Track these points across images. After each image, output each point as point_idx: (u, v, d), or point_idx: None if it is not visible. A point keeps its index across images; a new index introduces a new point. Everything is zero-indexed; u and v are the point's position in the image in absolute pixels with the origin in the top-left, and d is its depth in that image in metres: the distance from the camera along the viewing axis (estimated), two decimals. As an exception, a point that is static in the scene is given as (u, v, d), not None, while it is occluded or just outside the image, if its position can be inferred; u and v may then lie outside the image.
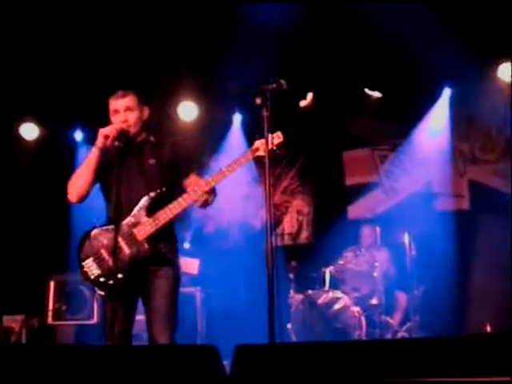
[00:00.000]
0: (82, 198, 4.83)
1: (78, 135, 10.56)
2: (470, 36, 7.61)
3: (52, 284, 8.67)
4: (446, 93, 9.37)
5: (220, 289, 9.47)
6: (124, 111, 4.82)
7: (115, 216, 4.58)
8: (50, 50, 8.11)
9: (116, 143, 4.67)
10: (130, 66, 8.41)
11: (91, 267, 4.62)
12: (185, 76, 8.79)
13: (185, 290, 8.73)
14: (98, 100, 8.93)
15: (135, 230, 4.61)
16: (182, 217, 10.89)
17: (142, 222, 4.64)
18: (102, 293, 4.63)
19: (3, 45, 7.89)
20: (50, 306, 8.56)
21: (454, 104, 9.38)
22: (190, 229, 10.70)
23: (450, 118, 9.45)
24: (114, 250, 4.47)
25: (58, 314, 8.55)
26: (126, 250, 4.61)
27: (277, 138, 4.92)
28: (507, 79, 8.46)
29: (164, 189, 4.75)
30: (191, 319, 8.71)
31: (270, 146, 4.61)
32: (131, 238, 4.60)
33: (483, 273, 8.59)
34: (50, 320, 8.55)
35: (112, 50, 8.13)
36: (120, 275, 4.52)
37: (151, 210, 4.67)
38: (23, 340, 8.30)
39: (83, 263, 4.64)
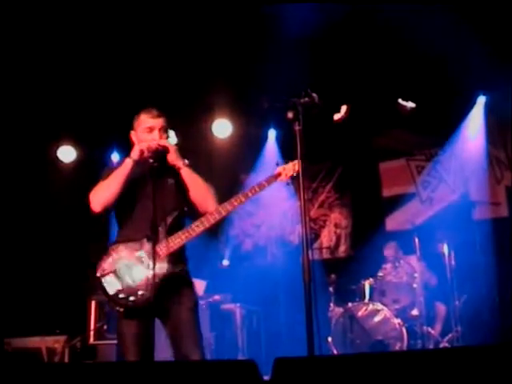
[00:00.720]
0: (107, 209, 4.76)
1: (115, 157, 10.66)
2: (502, 42, 7.56)
3: (93, 304, 8.74)
4: (481, 100, 9.33)
5: (260, 305, 9.47)
6: (159, 131, 4.82)
7: (136, 232, 4.59)
8: (87, 71, 8.21)
9: (151, 160, 4.69)
10: (165, 86, 8.49)
11: (111, 283, 4.54)
12: (218, 93, 8.84)
13: (225, 306, 8.79)
14: (132, 121, 9.11)
15: (157, 248, 4.53)
16: (220, 234, 11.01)
17: (163, 241, 4.60)
18: (121, 309, 4.54)
19: (41, 66, 8.01)
20: (92, 326, 8.63)
21: (489, 111, 9.32)
22: (228, 246, 10.75)
23: (485, 126, 9.39)
24: (136, 266, 4.54)
25: (99, 334, 8.61)
26: (148, 267, 4.55)
27: (297, 165, 4.77)
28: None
29: (186, 208, 4.80)
30: (231, 336, 8.73)
31: (290, 174, 4.84)
32: (153, 256, 4.49)
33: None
34: (91, 340, 8.62)
35: (147, 70, 8.21)
36: (141, 292, 4.49)
37: (170, 230, 4.66)
38: (66, 360, 8.36)
39: (102, 279, 4.57)
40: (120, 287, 4.53)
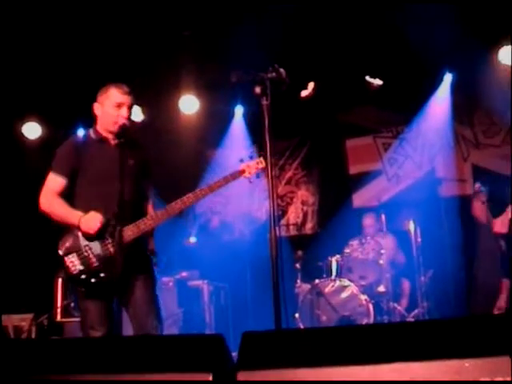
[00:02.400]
0: None
1: (81, 133, 10.55)
2: (470, 20, 7.59)
3: (60, 281, 8.68)
4: (448, 78, 9.36)
5: (227, 281, 9.49)
6: (127, 107, 4.77)
7: (99, 213, 4.55)
8: (51, 48, 8.11)
9: (116, 140, 4.70)
10: (131, 62, 8.41)
11: (74, 263, 4.52)
12: (185, 69, 8.79)
13: (192, 283, 8.79)
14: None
15: (123, 231, 4.49)
16: (187, 212, 10.98)
17: (129, 224, 4.58)
18: (83, 289, 4.57)
19: (5, 44, 7.89)
20: (59, 304, 8.58)
21: (456, 89, 9.36)
22: (195, 223, 10.74)
23: (452, 104, 9.44)
24: (99, 247, 4.57)
25: (66, 311, 8.57)
26: (111, 249, 4.55)
27: (260, 163, 5.01)
28: (508, 63, 8.44)
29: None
30: (199, 312, 8.74)
31: (253, 171, 4.98)
32: (117, 239, 4.47)
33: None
34: (58, 317, 8.57)
35: (112, 45, 8.13)
36: (102, 274, 4.51)
37: (134, 212, 4.69)
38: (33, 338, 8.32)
39: (66, 258, 4.54)
40: (82, 267, 4.52)
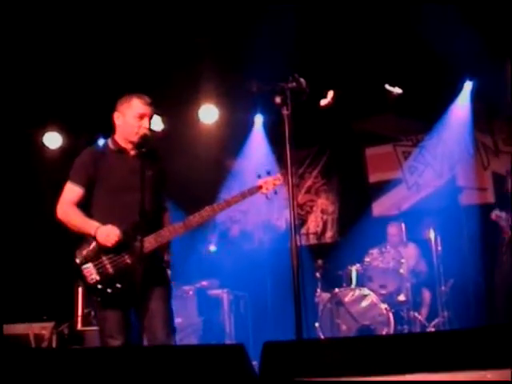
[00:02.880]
0: None
1: (99, 143, 10.59)
2: (489, 28, 7.57)
3: (80, 290, 8.71)
4: (467, 86, 9.32)
5: (247, 290, 9.48)
6: (149, 118, 4.81)
7: (117, 223, 4.58)
8: (72, 58, 8.17)
9: (134, 151, 4.77)
10: (151, 71, 8.45)
11: (91, 272, 4.54)
12: (205, 79, 8.81)
13: (212, 292, 8.79)
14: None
15: (138, 243, 4.44)
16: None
17: (148, 235, 4.59)
18: (99, 299, 4.59)
19: (26, 53, 7.96)
20: (79, 312, 8.61)
21: (476, 97, 9.33)
22: (216, 232, 10.75)
23: (472, 111, 9.40)
24: (116, 257, 4.59)
25: (86, 320, 8.59)
26: (128, 260, 4.59)
27: (278, 180, 5.05)
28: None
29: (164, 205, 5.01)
30: (219, 321, 8.74)
31: (270, 187, 4.99)
32: (134, 250, 4.49)
33: (509, 265, 8.53)
34: (79, 326, 8.60)
35: (133, 54, 8.17)
36: (118, 285, 4.53)
37: (153, 224, 4.71)
38: (53, 347, 8.35)
39: (82, 267, 4.56)
40: (98, 277, 4.54)
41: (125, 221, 4.57)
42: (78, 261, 4.59)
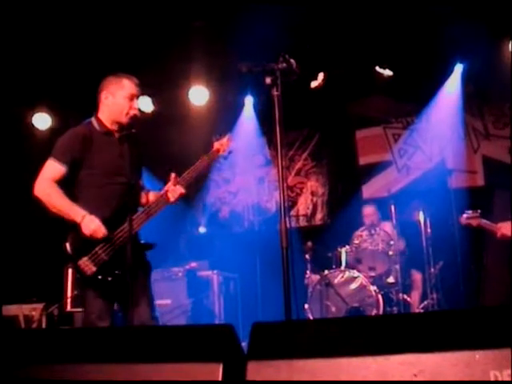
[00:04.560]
0: None
1: (85, 123, 10.56)
2: (481, 11, 7.56)
3: (70, 271, 8.70)
4: (458, 69, 9.32)
5: (237, 272, 9.51)
6: (137, 99, 4.82)
7: (103, 207, 4.58)
8: (61, 38, 8.11)
9: (121, 133, 4.77)
10: (141, 52, 8.41)
11: (87, 264, 4.43)
12: (195, 60, 8.78)
13: (202, 273, 8.81)
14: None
15: (127, 223, 4.50)
16: (196, 202, 11.00)
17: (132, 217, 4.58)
18: (98, 289, 4.52)
19: (14, 34, 7.91)
20: (68, 294, 8.61)
21: (466, 80, 9.33)
22: (205, 213, 10.75)
23: (462, 94, 9.41)
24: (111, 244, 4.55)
25: (76, 302, 8.59)
26: (120, 243, 4.56)
27: (229, 140, 5.31)
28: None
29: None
30: (209, 303, 8.76)
31: (226, 148, 5.23)
32: (125, 231, 4.52)
33: (499, 248, 8.56)
34: (68, 307, 8.60)
35: (123, 35, 8.13)
36: (117, 271, 4.50)
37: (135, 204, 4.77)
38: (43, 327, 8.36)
39: (78, 262, 4.45)
40: (95, 268, 4.46)
41: (113, 203, 4.58)
42: (70, 254, 4.49)
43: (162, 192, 4.82)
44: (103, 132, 4.76)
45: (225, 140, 5.26)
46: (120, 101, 4.74)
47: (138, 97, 4.82)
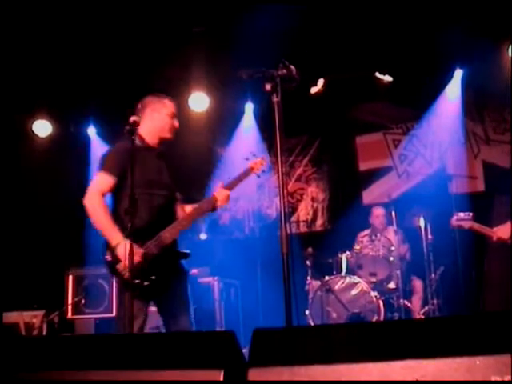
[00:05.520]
0: None
1: (91, 131, 10.59)
2: (480, 16, 7.57)
3: (70, 278, 8.72)
4: (458, 74, 9.32)
5: (237, 278, 9.50)
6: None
7: (143, 217, 4.78)
8: (62, 45, 8.13)
9: (159, 148, 5.17)
10: (141, 59, 8.43)
11: (125, 269, 4.58)
12: (195, 67, 8.79)
13: (203, 280, 8.79)
14: (109, 95, 9.04)
15: (162, 234, 4.86)
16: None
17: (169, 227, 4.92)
18: (134, 292, 4.59)
19: (15, 41, 7.92)
20: (69, 301, 8.61)
21: (466, 85, 9.34)
22: (206, 219, 10.73)
23: (462, 100, 9.42)
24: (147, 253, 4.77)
25: (76, 308, 8.60)
26: (156, 252, 4.79)
27: (263, 160, 5.52)
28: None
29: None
30: (210, 309, 8.75)
31: (260, 167, 5.47)
32: (159, 241, 4.83)
33: (500, 254, 8.56)
34: (69, 314, 8.61)
35: (122, 42, 8.14)
36: (153, 277, 4.73)
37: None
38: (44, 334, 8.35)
39: (117, 266, 4.68)
40: (133, 273, 4.56)
41: (153, 213, 4.89)
42: (110, 259, 4.74)
43: (210, 196, 5.25)
44: (144, 146, 5.03)
45: (258, 160, 5.44)
46: (164, 118, 5.15)
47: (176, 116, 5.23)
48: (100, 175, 4.87)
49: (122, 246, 4.60)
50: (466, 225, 7.42)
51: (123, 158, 4.78)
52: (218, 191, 5.24)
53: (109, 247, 4.74)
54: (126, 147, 4.82)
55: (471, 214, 7.46)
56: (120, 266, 4.64)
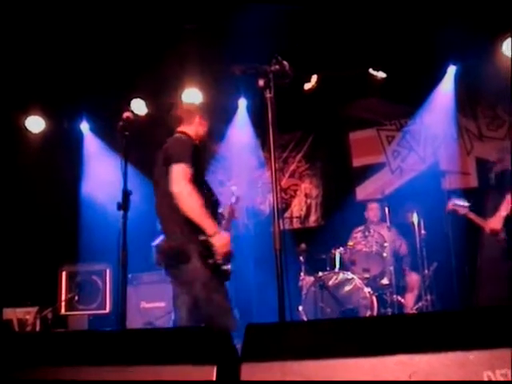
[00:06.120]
0: None
1: (84, 126, 10.57)
2: (474, 13, 7.57)
3: (64, 275, 8.71)
4: (451, 70, 9.33)
5: (231, 274, 9.47)
6: None
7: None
8: (54, 41, 8.11)
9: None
10: (135, 55, 8.41)
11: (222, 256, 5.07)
12: (188, 62, 8.77)
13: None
14: (103, 91, 9.02)
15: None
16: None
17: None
18: (222, 278, 5.23)
19: (7, 36, 7.90)
20: (63, 297, 8.61)
21: (459, 81, 9.35)
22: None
23: (455, 96, 9.43)
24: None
25: (70, 305, 8.59)
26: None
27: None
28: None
29: None
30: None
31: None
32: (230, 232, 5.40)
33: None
34: (62, 311, 8.60)
35: (116, 38, 8.13)
36: (230, 264, 5.27)
37: None
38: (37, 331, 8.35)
39: (215, 253, 5.03)
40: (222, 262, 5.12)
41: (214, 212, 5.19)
42: (202, 238, 4.95)
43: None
44: (199, 147, 5.35)
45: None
46: (205, 124, 5.54)
47: None
48: (181, 166, 4.92)
49: (219, 235, 4.99)
50: (462, 211, 7.47)
51: (194, 150, 5.08)
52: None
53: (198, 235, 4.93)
54: (193, 143, 5.23)
55: (469, 204, 7.50)
56: (218, 254, 5.00)
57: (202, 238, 4.92)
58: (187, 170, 4.90)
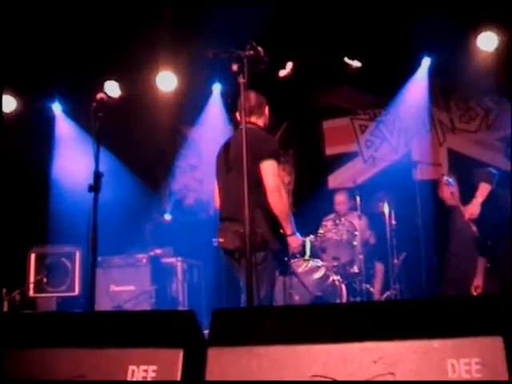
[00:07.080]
0: None
1: (56, 107, 10.47)
2: (449, 5, 7.60)
3: (32, 256, 8.64)
4: (426, 62, 9.36)
5: (201, 259, 9.48)
6: None
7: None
8: (26, 19, 8.02)
9: None
10: (108, 37, 8.35)
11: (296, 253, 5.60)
12: (163, 45, 8.73)
13: (166, 260, 8.78)
14: (76, 71, 8.94)
15: None
16: (162, 189, 10.95)
17: None
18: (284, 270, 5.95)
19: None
20: (31, 279, 8.54)
21: (434, 73, 9.38)
22: (171, 200, 10.71)
23: (429, 88, 9.46)
24: None
25: (38, 287, 8.53)
26: None
27: None
28: (487, 49, 8.46)
29: None
30: (172, 290, 8.74)
31: None
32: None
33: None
34: (31, 293, 8.54)
35: (89, 18, 8.05)
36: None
37: None
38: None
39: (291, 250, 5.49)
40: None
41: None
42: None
43: None
44: None
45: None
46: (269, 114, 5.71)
47: None
48: (273, 163, 5.07)
49: (296, 236, 5.35)
50: (450, 189, 7.52)
51: None
52: None
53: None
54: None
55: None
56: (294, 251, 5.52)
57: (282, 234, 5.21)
58: (276, 167, 5.07)
